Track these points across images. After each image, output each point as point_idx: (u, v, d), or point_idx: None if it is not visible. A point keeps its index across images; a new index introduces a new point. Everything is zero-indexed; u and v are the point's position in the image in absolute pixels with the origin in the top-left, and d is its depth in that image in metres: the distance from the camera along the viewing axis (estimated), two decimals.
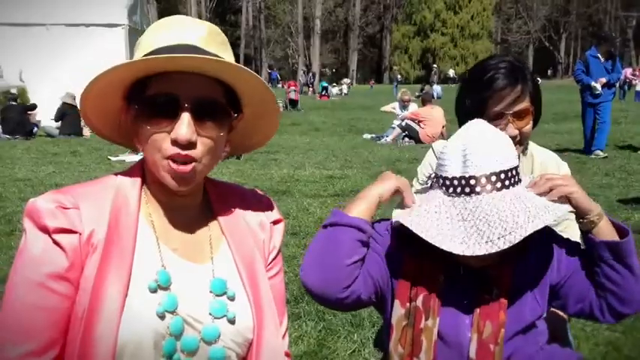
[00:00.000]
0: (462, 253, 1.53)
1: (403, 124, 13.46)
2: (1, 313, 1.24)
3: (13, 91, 15.10)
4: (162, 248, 1.33)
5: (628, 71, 32.45)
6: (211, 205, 1.45)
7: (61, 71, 15.11)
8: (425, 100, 14.35)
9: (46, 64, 15.48)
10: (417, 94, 21.37)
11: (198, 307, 1.31)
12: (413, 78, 63.80)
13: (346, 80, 45.96)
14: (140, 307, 1.24)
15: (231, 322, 1.34)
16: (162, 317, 1.25)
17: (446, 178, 1.64)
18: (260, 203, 1.52)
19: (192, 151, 1.26)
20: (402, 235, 1.67)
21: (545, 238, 1.72)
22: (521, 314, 1.68)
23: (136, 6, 17.71)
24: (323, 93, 34.36)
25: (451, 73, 53.48)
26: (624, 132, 13.24)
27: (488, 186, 1.60)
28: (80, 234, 1.25)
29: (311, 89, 41.04)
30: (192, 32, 1.30)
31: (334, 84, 43.42)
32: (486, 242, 1.52)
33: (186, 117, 1.24)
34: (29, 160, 9.62)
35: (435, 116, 13.16)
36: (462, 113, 2.12)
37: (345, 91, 40.14)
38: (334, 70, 66.25)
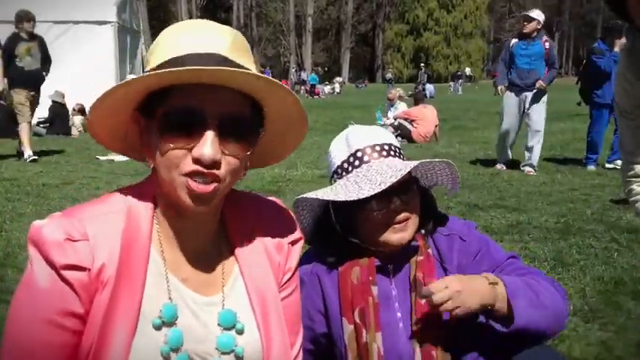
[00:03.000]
0: (355, 198, 1.63)
1: (396, 123, 13.42)
2: (7, 350, 1.19)
3: None
4: (170, 280, 1.25)
5: None
6: (227, 225, 1.36)
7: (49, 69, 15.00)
8: (417, 99, 14.31)
9: None
10: (409, 92, 21.41)
11: (205, 342, 1.26)
12: (406, 77, 63.93)
13: (338, 79, 45.97)
14: (145, 347, 1.19)
15: (239, 358, 1.28)
16: (167, 357, 1.20)
17: (337, 167, 1.77)
18: (279, 220, 1.42)
19: (216, 170, 1.16)
20: (327, 253, 1.78)
21: (463, 246, 1.78)
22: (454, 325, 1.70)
23: (125, 3, 17.58)
24: (311, 90, 34.43)
25: (468, 71, 53.37)
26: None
27: (375, 154, 1.71)
28: (89, 270, 1.17)
29: (303, 88, 40.98)
30: (218, 40, 1.19)
31: (326, 82, 43.41)
32: (379, 184, 1.62)
33: (211, 135, 1.14)
34: (16, 160, 9.52)
35: (427, 115, 13.13)
36: None
37: (337, 89, 40.14)
38: (326, 69, 66.20)
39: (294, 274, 1.44)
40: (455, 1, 68.73)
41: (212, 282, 1.31)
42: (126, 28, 17.42)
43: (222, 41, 1.19)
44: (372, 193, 1.62)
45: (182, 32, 1.21)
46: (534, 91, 8.45)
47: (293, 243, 1.43)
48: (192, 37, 1.19)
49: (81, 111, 15.09)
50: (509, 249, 4.64)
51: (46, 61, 9.99)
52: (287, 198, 6.88)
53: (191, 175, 1.15)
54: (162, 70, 1.11)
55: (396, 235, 1.70)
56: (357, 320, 1.67)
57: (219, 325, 1.27)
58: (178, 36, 1.20)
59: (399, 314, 1.72)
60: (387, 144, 1.74)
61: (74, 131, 14.25)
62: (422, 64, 49.48)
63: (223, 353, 1.26)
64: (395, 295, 1.74)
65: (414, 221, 1.72)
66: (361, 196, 1.62)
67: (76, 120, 14.80)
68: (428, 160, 1.75)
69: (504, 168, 8.80)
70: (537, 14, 8.65)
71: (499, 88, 9.42)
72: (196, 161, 1.14)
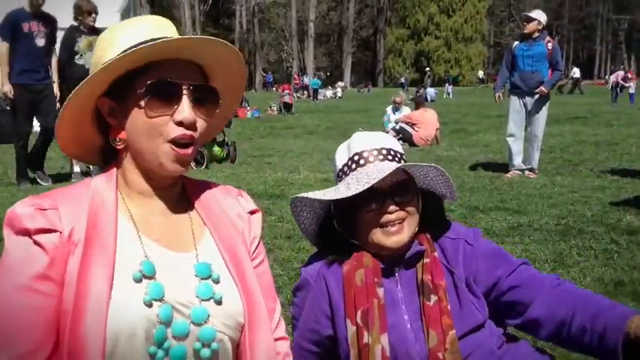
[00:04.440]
0: (334, 197, 1.69)
1: (397, 127, 13.48)
2: None
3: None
4: (143, 240, 1.35)
5: (620, 74, 32.61)
6: (189, 198, 1.49)
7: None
8: (418, 103, 14.37)
9: None
10: (410, 96, 21.44)
11: (185, 292, 1.33)
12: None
13: (340, 84, 45.98)
14: (126, 297, 1.25)
15: (219, 302, 1.36)
16: (149, 305, 1.27)
17: (339, 171, 1.80)
18: (233, 195, 1.57)
19: (193, 132, 1.35)
20: (332, 255, 1.80)
21: (472, 250, 1.79)
22: (464, 318, 1.72)
23: (129, 10, 17.65)
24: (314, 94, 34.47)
25: (480, 74, 53.05)
26: (616, 134, 13.29)
27: (372, 157, 1.75)
28: (60, 232, 1.26)
29: (305, 92, 41.01)
30: (169, 28, 1.41)
31: (328, 87, 43.41)
32: (364, 184, 1.65)
33: (187, 100, 1.33)
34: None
35: (428, 119, 13.18)
36: None
37: (339, 94, 40.17)
38: (328, 74, 66.21)
39: (259, 243, 1.55)
40: (455, 5, 68.74)
41: (183, 242, 1.41)
42: None
43: (171, 29, 1.41)
44: (351, 194, 1.66)
45: (134, 26, 1.39)
46: (537, 96, 8.19)
47: (252, 213, 1.56)
48: (147, 27, 1.38)
49: None
50: (509, 251, 4.66)
51: None
52: (289, 201, 6.90)
53: (175, 140, 1.32)
54: (153, 43, 1.28)
55: (390, 239, 1.73)
56: (359, 322, 1.68)
57: (196, 276, 1.36)
58: (132, 30, 1.38)
59: (406, 316, 1.73)
60: (387, 148, 1.78)
61: None
62: (427, 69, 49.31)
63: (203, 300, 1.34)
64: (401, 298, 1.75)
65: (410, 223, 1.75)
66: (339, 196, 1.69)
67: None
68: (411, 163, 1.76)
69: (520, 173, 8.40)
70: (537, 14, 8.40)
71: (496, 95, 9.11)
72: (179, 124, 1.32)
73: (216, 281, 1.38)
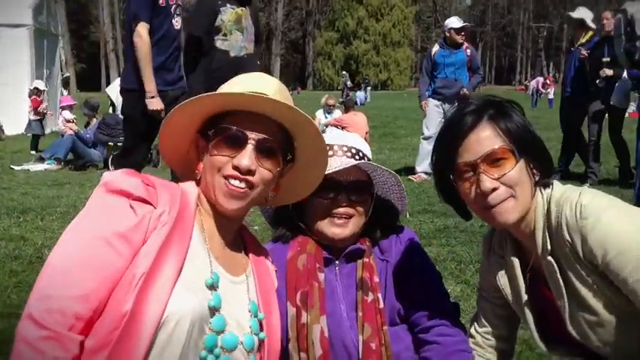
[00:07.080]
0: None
1: (327, 130, 13.48)
2: (56, 259, 1.34)
3: None
4: (210, 252, 1.52)
5: (539, 80, 33.99)
6: (244, 240, 1.71)
7: None
8: (348, 106, 14.43)
9: None
10: (340, 100, 21.57)
11: (238, 314, 1.53)
12: (337, 84, 64.48)
13: None
14: (198, 302, 1.40)
15: (262, 341, 1.57)
16: (212, 312, 1.44)
17: None
18: (268, 253, 1.79)
19: (250, 177, 1.51)
20: (282, 237, 1.94)
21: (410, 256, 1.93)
22: (392, 315, 1.86)
23: (42, 6, 16.99)
24: None
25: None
26: None
27: (340, 152, 1.89)
28: (154, 208, 1.41)
29: None
30: (267, 85, 1.55)
31: None
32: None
33: (249, 150, 1.50)
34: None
35: (357, 122, 13.23)
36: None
37: None
38: None
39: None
40: (383, 10, 69.96)
41: (235, 268, 1.60)
42: (43, 31, 16.84)
43: (268, 86, 1.55)
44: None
45: (240, 80, 1.60)
46: (456, 102, 8.10)
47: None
48: (247, 82, 1.56)
49: None
50: (437, 253, 4.69)
51: (259, 40, 5.56)
52: None
53: (229, 178, 1.50)
54: (212, 93, 1.50)
55: (332, 229, 1.86)
56: (299, 303, 1.79)
57: (249, 310, 1.56)
58: (237, 82, 1.58)
59: (342, 306, 1.85)
60: (356, 148, 1.92)
61: None
62: (344, 72, 49.17)
63: (254, 333, 1.55)
64: (339, 289, 1.87)
65: (355, 221, 1.88)
66: None
67: None
68: (372, 164, 1.87)
69: (427, 177, 8.33)
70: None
71: (422, 103, 8.89)
72: (235, 168, 1.49)
73: (261, 321, 1.59)
